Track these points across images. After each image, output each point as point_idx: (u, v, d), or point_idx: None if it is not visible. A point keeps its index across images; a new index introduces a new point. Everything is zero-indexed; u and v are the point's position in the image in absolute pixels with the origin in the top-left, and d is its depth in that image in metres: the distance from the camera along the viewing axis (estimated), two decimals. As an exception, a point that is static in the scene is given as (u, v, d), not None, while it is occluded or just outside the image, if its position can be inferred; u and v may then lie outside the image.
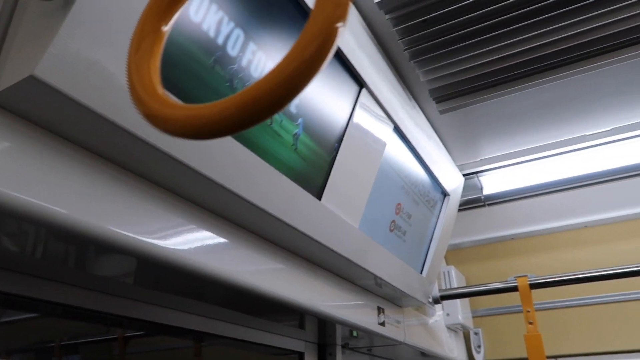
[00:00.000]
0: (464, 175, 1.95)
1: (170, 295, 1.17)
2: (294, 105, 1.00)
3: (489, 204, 2.07)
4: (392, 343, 1.75)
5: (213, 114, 0.36)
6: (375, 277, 1.40)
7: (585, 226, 2.36)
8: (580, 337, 2.34)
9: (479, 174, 1.98)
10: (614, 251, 2.32)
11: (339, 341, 1.69)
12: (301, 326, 1.59)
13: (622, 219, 2.33)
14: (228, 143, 0.81)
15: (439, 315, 2.32)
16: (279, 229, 0.99)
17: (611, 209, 2.28)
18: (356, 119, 1.20)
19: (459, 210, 2.06)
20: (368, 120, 1.25)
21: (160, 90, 0.40)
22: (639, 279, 2.18)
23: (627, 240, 2.34)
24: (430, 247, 1.76)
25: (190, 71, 0.76)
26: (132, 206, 0.75)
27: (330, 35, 0.31)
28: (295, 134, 1.00)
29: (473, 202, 2.04)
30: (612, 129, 1.74)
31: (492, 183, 2.03)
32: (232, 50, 0.84)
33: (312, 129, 1.06)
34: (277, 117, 0.96)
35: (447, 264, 2.59)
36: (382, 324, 1.59)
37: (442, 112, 1.52)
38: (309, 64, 0.31)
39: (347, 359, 1.88)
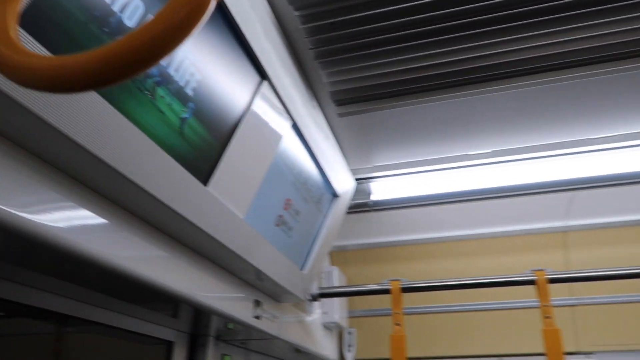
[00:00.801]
0: (356, 179, 2.01)
1: (30, 272, 1.07)
2: (190, 88, 0.97)
3: (376, 210, 2.16)
4: (267, 337, 1.75)
5: (76, 65, 0.33)
6: (257, 270, 1.40)
7: (461, 239, 2.56)
8: (445, 340, 2.54)
9: (369, 180, 2.06)
10: (486, 263, 2.54)
11: (212, 332, 1.66)
12: (174, 315, 1.54)
13: (495, 234, 2.56)
14: (107, 111, 0.76)
15: (317, 313, 2.38)
16: (161, 211, 0.95)
17: (486, 224, 2.50)
18: (254, 110, 1.18)
19: (347, 212, 2.13)
20: (266, 113, 1.24)
21: (14, 34, 0.36)
22: (502, 291, 2.41)
23: (497, 255, 2.58)
24: (314, 245, 1.80)
25: (64, 26, 0.70)
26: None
27: (201, 4, 0.30)
28: (183, 118, 0.97)
29: (361, 207, 2.11)
30: (492, 151, 1.90)
31: (381, 189, 2.12)
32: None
33: (204, 115, 1.03)
34: (165, 97, 0.91)
35: (332, 264, 2.66)
36: (258, 317, 1.59)
37: (340, 115, 1.56)
38: (176, 29, 0.30)
39: (221, 351, 1.85)
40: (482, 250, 2.54)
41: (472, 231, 2.50)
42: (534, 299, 1.77)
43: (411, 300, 2.54)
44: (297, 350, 2.17)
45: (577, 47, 1.38)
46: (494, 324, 2.49)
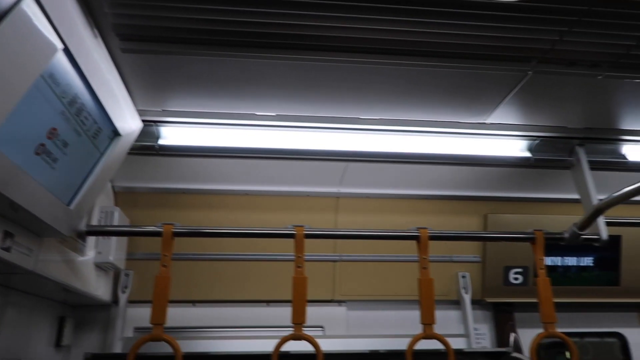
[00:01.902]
0: (143, 121, 1.97)
1: None
2: None
3: (164, 154, 2.15)
4: (20, 272, 1.65)
5: None
6: (7, 199, 1.30)
7: (246, 193, 2.71)
8: (219, 286, 2.71)
9: (159, 124, 2.04)
10: (265, 218, 2.74)
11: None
12: None
13: (276, 193, 2.76)
14: None
15: (90, 253, 2.30)
16: None
17: (269, 182, 2.68)
18: (10, 23, 1.08)
19: (133, 154, 2.08)
20: (28, 29, 1.14)
21: None
22: (273, 244, 2.63)
23: (276, 211, 2.79)
24: (87, 181, 1.73)
25: None
26: None
27: None
28: None
29: (147, 149, 2.09)
30: (277, 115, 2.04)
31: (170, 135, 2.11)
32: None
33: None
34: None
35: (116, 205, 2.59)
36: (7, 249, 1.49)
37: (124, 50, 1.51)
38: None
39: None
40: (263, 206, 2.74)
41: (256, 187, 2.67)
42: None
43: (191, 247, 2.63)
44: (66, 289, 2.09)
45: (368, 36, 1.55)
46: (263, 273, 2.72)
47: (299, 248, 1.95)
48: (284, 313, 2.72)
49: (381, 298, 2.92)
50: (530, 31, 1.55)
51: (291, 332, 1.87)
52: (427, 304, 1.94)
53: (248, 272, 2.75)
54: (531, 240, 2.13)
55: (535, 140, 2.29)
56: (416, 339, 1.88)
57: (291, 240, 2.02)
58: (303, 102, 1.96)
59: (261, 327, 2.74)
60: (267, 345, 1.89)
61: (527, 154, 2.34)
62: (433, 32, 1.54)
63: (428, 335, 1.90)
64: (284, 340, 1.84)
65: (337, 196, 2.80)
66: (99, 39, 1.47)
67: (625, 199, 1.89)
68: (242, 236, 2.16)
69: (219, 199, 2.71)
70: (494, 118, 2.13)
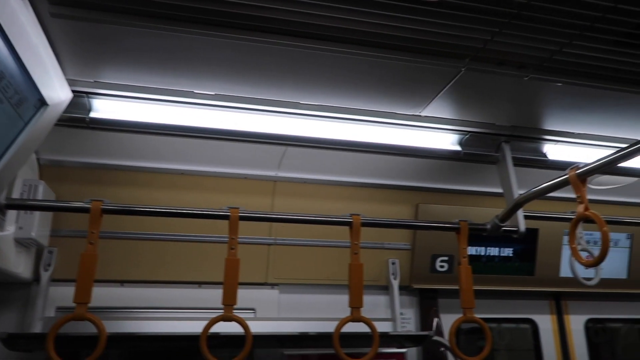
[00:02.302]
0: (73, 91, 1.88)
1: None
2: None
3: (95, 128, 2.06)
4: None
5: None
6: None
7: (182, 173, 2.66)
8: (146, 265, 2.65)
9: (91, 96, 1.95)
10: (200, 200, 2.70)
11: None
12: None
13: (214, 174, 2.73)
14: None
15: (10, 227, 2.19)
16: None
17: (206, 163, 2.64)
18: None
19: (62, 126, 1.99)
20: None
21: None
22: (206, 226, 2.61)
23: (213, 193, 2.77)
24: (8, 152, 1.63)
25: None
26: None
27: None
28: None
29: (77, 122, 1.99)
30: (216, 94, 2.01)
31: (103, 108, 2.03)
32: None
33: None
34: None
35: (41, 178, 2.46)
36: None
37: (53, 15, 1.43)
38: None
39: None
40: (198, 187, 2.70)
41: (192, 167, 2.63)
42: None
43: (121, 226, 2.56)
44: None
45: (310, 21, 1.56)
46: (195, 255, 2.70)
47: (233, 230, 1.95)
48: (216, 295, 2.73)
49: (313, 282, 2.97)
50: (465, 29, 1.62)
51: (221, 314, 1.87)
52: (355, 288, 2.00)
53: (180, 253, 2.71)
54: (456, 229, 2.24)
55: (465, 135, 2.40)
56: (344, 321, 1.94)
57: (226, 222, 2.01)
58: (243, 83, 1.95)
59: (192, 308, 2.72)
60: (197, 327, 1.88)
61: (458, 148, 2.45)
62: (373, 22, 1.57)
63: (355, 318, 1.96)
64: (214, 321, 1.84)
65: (275, 180, 2.81)
66: (26, 1, 1.39)
67: (543, 194, 2.03)
68: (176, 216, 2.13)
69: (152, 177, 2.64)
70: (428, 111, 2.21)
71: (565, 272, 3.34)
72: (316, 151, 2.48)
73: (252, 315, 2.80)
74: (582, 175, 1.78)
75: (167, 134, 2.21)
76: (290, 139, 2.29)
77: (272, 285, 2.92)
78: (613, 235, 3.34)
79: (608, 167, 1.74)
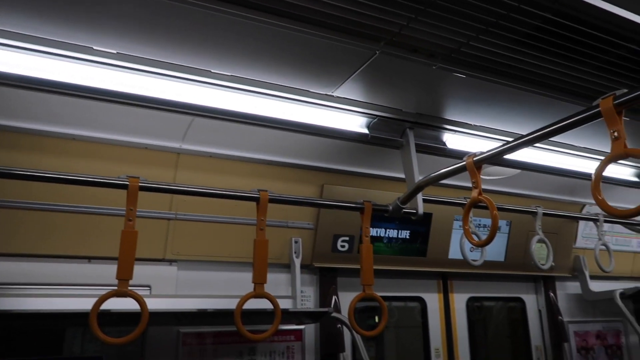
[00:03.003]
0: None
1: None
2: None
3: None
4: None
5: None
6: None
7: (74, 138, 2.44)
8: (29, 238, 2.40)
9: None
10: (96, 168, 2.49)
11: None
12: None
13: (114, 142, 2.53)
14: None
15: None
16: None
17: (106, 129, 2.44)
18: None
19: None
20: None
21: None
22: (98, 196, 2.43)
23: (114, 163, 2.56)
24: None
25: None
26: None
27: None
28: None
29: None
30: (118, 53, 1.85)
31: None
32: None
33: None
34: None
35: None
36: None
37: None
38: None
39: None
40: (94, 155, 2.50)
41: (87, 132, 2.42)
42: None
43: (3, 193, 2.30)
44: None
45: None
46: (85, 227, 2.50)
47: (132, 200, 1.83)
48: (107, 271, 2.56)
49: (214, 259, 2.90)
50: (383, 12, 1.64)
51: (115, 289, 1.75)
52: (260, 264, 1.98)
53: (68, 225, 2.49)
54: (360, 209, 2.30)
55: (373, 118, 2.46)
56: (247, 297, 1.91)
57: (122, 193, 1.88)
58: (150, 44, 1.81)
59: (80, 285, 2.53)
60: (87, 304, 1.74)
61: (365, 131, 2.50)
62: (293, -7, 1.54)
63: (258, 294, 1.95)
64: (106, 297, 1.72)
65: (178, 152, 2.68)
66: None
67: (443, 178, 2.15)
68: (67, 182, 1.93)
69: (40, 140, 2.38)
70: (340, 92, 2.23)
71: (453, 254, 3.60)
72: (224, 124, 2.39)
73: (147, 293, 2.67)
74: (478, 163, 1.91)
75: (60, 92, 1.98)
76: (198, 109, 2.18)
77: (171, 261, 2.80)
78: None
79: (500, 156, 1.88)
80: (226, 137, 2.61)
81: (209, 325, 2.82)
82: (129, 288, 1.77)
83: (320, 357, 3.08)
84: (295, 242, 3.07)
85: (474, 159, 1.91)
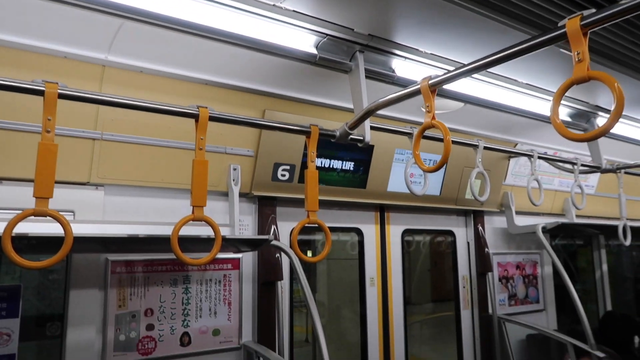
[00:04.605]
0: None
1: None
2: None
3: None
4: None
5: None
6: None
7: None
8: None
9: None
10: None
11: None
12: None
13: (28, 48, 2.20)
14: None
15: None
16: None
17: (16, 32, 2.11)
18: None
19: None
20: None
21: None
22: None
23: (26, 72, 2.24)
24: None
25: None
26: None
27: None
28: None
29: None
30: None
31: None
32: None
33: None
34: None
35: None
36: None
37: None
38: None
39: None
40: (2, 62, 2.16)
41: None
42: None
43: None
44: None
45: None
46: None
47: (50, 109, 1.59)
48: (21, 194, 2.31)
49: (145, 184, 2.70)
50: None
51: (32, 208, 1.54)
52: (199, 186, 1.83)
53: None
54: (307, 133, 2.18)
55: (323, 37, 2.29)
56: (184, 220, 1.77)
57: (39, 101, 1.63)
58: None
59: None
60: (-2, 227, 1.53)
61: (314, 51, 2.34)
62: None
63: (197, 217, 1.81)
64: (22, 216, 1.51)
65: (104, 64, 2.39)
66: None
67: (394, 102, 2.05)
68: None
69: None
70: (289, 3, 2.04)
71: (392, 187, 3.62)
72: (157, 33, 2.13)
73: (71, 218, 2.45)
74: (433, 86, 1.83)
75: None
76: (128, 10, 1.91)
77: (97, 185, 2.57)
78: (434, 157, 3.69)
79: (456, 79, 1.80)
80: (159, 50, 2.35)
81: (140, 253, 2.66)
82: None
83: (257, 285, 3.03)
84: (234, 169, 2.92)
85: (430, 81, 1.82)
